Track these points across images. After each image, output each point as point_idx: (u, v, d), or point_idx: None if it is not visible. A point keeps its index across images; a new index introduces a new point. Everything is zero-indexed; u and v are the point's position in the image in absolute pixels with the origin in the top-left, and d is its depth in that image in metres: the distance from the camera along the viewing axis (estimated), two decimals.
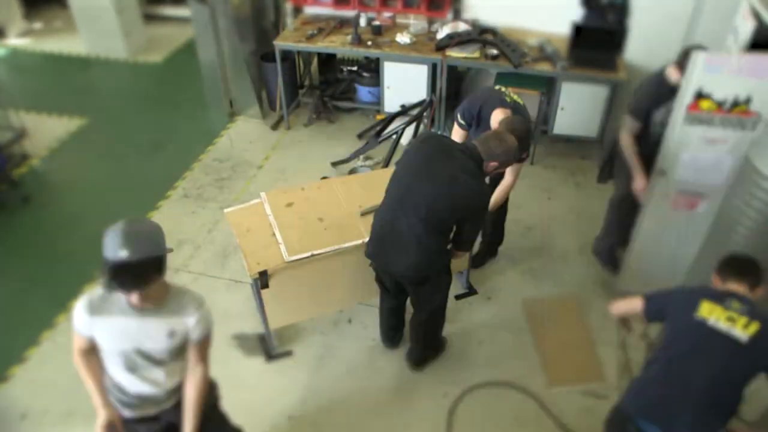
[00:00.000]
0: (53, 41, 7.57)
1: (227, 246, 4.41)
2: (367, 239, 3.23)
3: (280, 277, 3.20)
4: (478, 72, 5.50)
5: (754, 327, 2.30)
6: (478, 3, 5.29)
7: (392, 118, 5.15)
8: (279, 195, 3.58)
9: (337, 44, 5.25)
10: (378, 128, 5.04)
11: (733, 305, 2.37)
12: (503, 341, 3.71)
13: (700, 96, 2.97)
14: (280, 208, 3.48)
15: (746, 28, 3.38)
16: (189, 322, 2.21)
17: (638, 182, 3.52)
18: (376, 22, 5.37)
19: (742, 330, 2.31)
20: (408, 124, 4.95)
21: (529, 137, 3.23)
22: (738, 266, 2.54)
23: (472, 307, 3.93)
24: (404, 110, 5.23)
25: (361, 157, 4.99)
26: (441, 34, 5.24)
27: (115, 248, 1.98)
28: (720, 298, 2.41)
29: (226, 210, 3.54)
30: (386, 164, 4.71)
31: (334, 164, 5.12)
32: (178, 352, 2.26)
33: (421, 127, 5.44)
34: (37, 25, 7.92)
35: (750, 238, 2.71)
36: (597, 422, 3.25)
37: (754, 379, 2.34)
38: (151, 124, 5.95)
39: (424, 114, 5.21)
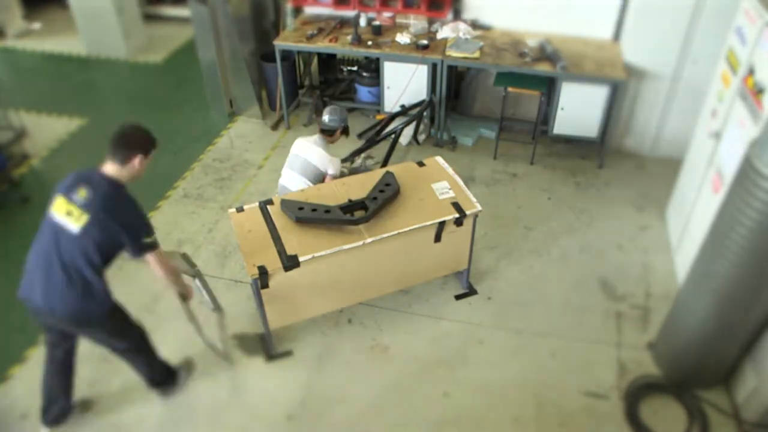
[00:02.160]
0: (53, 41, 7.57)
1: (227, 246, 4.41)
2: (368, 240, 3.24)
3: (280, 277, 3.20)
4: (478, 72, 5.50)
5: (84, 218, 2.63)
6: (478, 3, 5.30)
7: (392, 118, 5.15)
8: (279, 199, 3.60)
9: (337, 44, 5.25)
10: (378, 128, 5.05)
11: (79, 195, 2.68)
12: (503, 341, 3.72)
13: None
14: (281, 210, 3.48)
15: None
16: None
17: None
18: (376, 22, 5.38)
19: (75, 222, 2.65)
20: (407, 123, 4.95)
21: None
22: (113, 142, 2.76)
23: (472, 307, 3.94)
24: (404, 110, 5.23)
25: (361, 156, 4.98)
26: (441, 34, 5.24)
27: None
28: (69, 189, 2.73)
29: (229, 210, 3.56)
30: (384, 164, 4.71)
31: None
32: None
33: (421, 126, 5.45)
34: (37, 25, 7.93)
35: (750, 238, 2.70)
36: (597, 422, 3.27)
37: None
38: (151, 124, 5.78)
39: (424, 114, 5.22)
